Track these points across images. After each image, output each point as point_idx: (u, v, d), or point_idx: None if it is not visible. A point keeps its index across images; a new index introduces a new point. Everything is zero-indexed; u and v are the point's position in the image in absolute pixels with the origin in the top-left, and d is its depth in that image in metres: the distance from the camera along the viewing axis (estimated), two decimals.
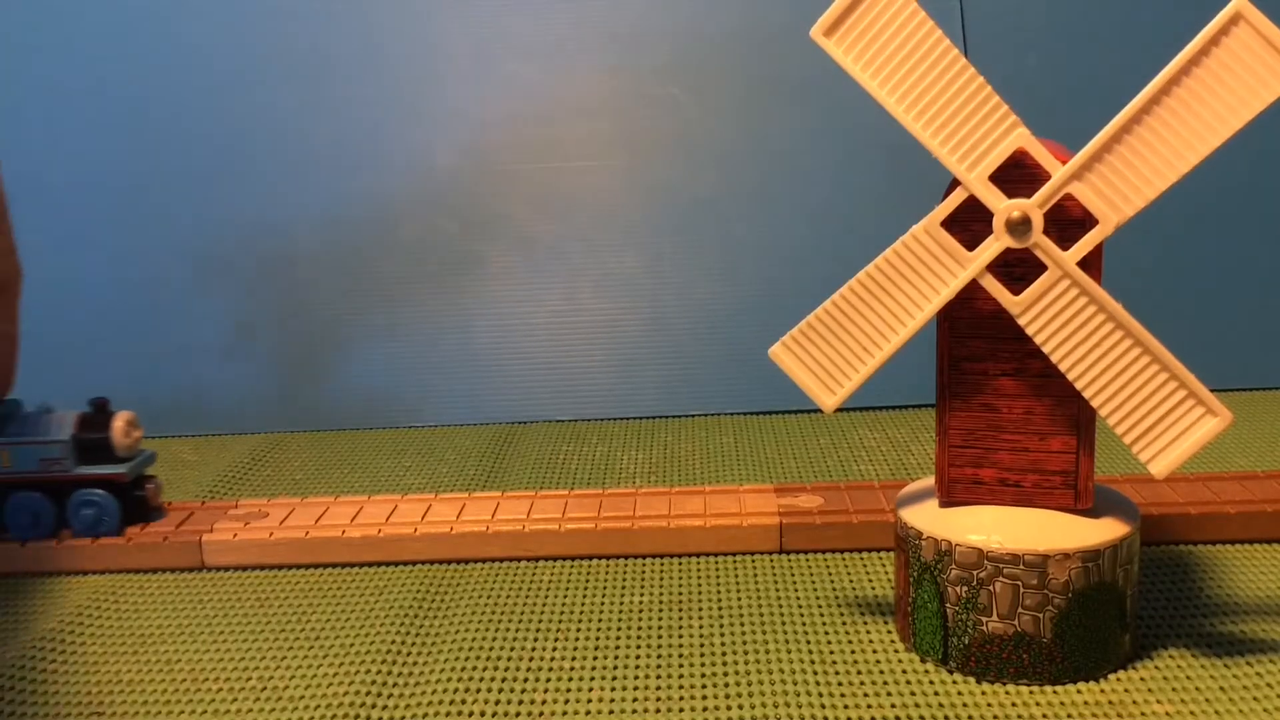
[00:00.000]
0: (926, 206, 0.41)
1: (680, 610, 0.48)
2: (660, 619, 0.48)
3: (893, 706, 0.40)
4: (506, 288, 0.83)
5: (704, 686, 0.42)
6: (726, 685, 0.42)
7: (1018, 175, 0.39)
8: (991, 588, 0.41)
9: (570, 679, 0.43)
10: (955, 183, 0.40)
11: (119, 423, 0.56)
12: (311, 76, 0.86)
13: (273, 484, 0.67)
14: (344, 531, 0.55)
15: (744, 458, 0.69)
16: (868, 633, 0.45)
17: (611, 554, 0.54)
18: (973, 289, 0.41)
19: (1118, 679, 0.41)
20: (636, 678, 0.43)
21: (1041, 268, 0.40)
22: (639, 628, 0.47)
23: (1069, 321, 0.39)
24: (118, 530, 0.56)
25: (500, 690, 0.42)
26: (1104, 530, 0.41)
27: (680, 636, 0.46)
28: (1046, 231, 0.39)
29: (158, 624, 0.49)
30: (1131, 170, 0.38)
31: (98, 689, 0.44)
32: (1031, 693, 0.40)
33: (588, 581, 0.52)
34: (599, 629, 0.47)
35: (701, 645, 0.45)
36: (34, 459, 0.55)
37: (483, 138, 0.85)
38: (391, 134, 0.85)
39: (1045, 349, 0.40)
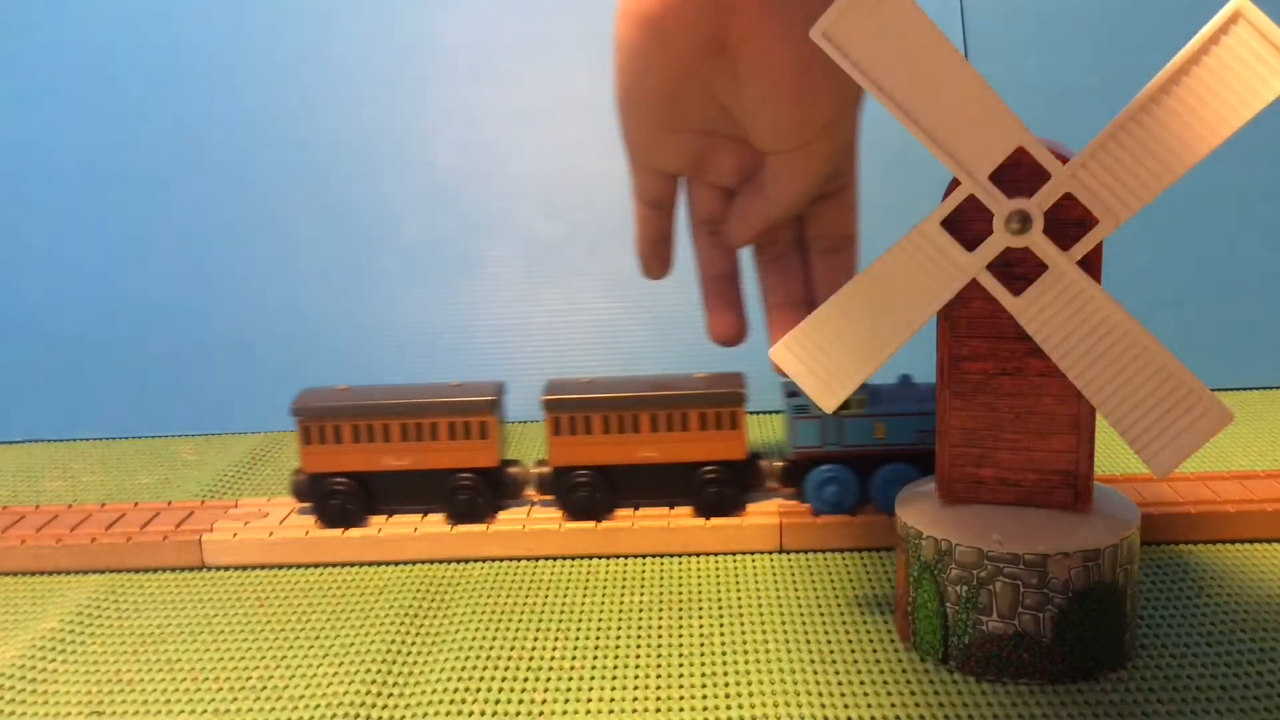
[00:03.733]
0: (926, 206, 0.41)
1: (680, 610, 0.48)
2: (660, 619, 0.48)
3: (893, 706, 0.40)
4: (506, 288, 0.83)
5: (704, 686, 0.42)
6: (726, 685, 0.42)
7: (1018, 175, 0.39)
8: (991, 587, 0.40)
9: (570, 679, 0.43)
10: (955, 183, 0.40)
11: None
12: (306, 75, 0.86)
13: (273, 483, 0.67)
14: (344, 531, 0.55)
15: None
16: (868, 633, 0.45)
17: (611, 554, 0.54)
18: (972, 289, 0.41)
19: (1118, 679, 0.41)
20: (636, 678, 0.43)
21: (1042, 267, 0.40)
22: (639, 628, 0.47)
23: (1069, 321, 0.39)
24: None
25: (500, 690, 0.42)
26: (1104, 530, 0.41)
27: (680, 636, 0.46)
28: (1046, 231, 0.39)
29: (158, 624, 0.49)
30: (1131, 170, 0.38)
31: (98, 689, 0.44)
32: (1031, 692, 0.40)
33: (588, 581, 0.52)
34: (599, 629, 0.47)
35: (701, 645, 0.45)
36: (912, 431, 0.54)
37: (483, 137, 0.85)
38: (392, 134, 0.85)
39: (1045, 348, 0.40)
